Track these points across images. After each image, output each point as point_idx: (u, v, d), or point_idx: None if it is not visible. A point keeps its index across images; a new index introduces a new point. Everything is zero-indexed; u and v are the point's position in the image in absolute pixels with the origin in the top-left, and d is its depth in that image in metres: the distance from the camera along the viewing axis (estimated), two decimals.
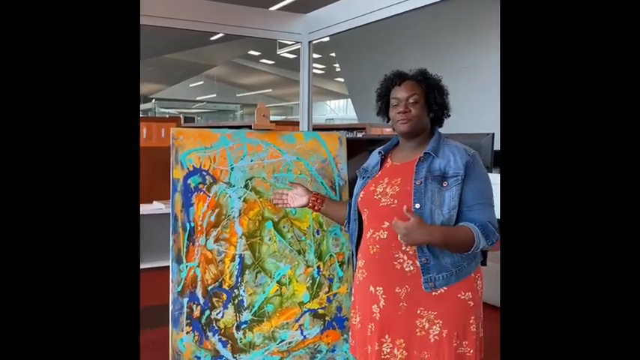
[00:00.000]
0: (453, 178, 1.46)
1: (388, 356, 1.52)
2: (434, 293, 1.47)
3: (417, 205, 1.45)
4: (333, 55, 12.68)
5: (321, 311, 1.99)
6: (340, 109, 25.59)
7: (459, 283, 1.47)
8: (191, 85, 22.26)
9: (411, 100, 1.52)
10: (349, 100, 17.75)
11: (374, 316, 1.54)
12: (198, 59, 16.56)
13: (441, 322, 1.47)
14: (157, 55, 13.29)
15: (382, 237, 1.50)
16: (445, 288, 1.46)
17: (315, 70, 3.14)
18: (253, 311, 1.93)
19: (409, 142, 1.58)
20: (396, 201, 1.49)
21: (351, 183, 2.09)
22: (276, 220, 1.98)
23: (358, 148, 2.67)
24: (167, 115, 19.11)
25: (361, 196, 1.59)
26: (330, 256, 2.02)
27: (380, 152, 1.64)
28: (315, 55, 3.17)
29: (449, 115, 1.58)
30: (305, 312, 1.98)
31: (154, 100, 22.60)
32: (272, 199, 1.88)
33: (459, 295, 1.47)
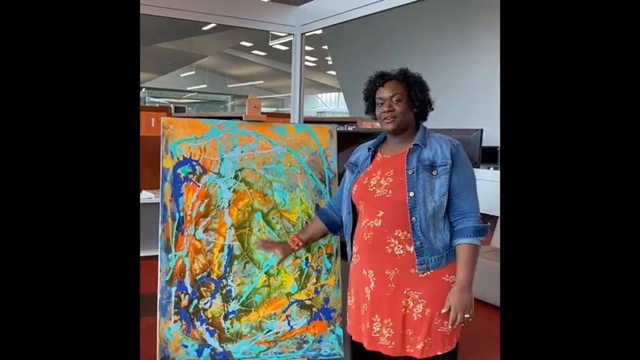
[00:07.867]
0: (442, 167, 1.55)
1: (378, 335, 1.62)
2: (422, 275, 1.55)
3: (411, 194, 1.54)
4: (326, 47, 12.64)
5: (308, 302, 2.01)
6: (332, 103, 25.56)
7: (446, 267, 1.56)
8: (182, 75, 22.07)
9: (394, 99, 1.61)
10: (341, 93, 17.72)
11: (365, 297, 1.64)
12: (189, 49, 16.42)
13: (424, 301, 1.56)
14: (148, 43, 13.15)
15: (376, 225, 1.59)
16: (433, 270, 1.55)
17: (307, 63, 3.12)
18: (241, 301, 1.94)
19: (396, 137, 1.67)
20: (390, 191, 1.58)
21: (341, 176, 2.10)
22: (266, 211, 1.99)
23: (348, 141, 2.68)
24: (157, 105, 18.94)
25: (355, 189, 1.68)
26: (319, 248, 2.04)
27: (369, 148, 1.73)
28: (308, 48, 3.17)
29: (432, 109, 1.67)
30: (292, 303, 1.99)
31: (144, 90, 22.40)
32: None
33: (444, 278, 1.56)
